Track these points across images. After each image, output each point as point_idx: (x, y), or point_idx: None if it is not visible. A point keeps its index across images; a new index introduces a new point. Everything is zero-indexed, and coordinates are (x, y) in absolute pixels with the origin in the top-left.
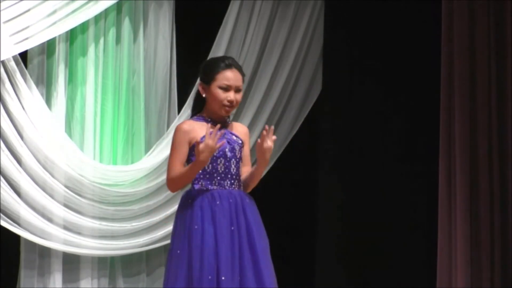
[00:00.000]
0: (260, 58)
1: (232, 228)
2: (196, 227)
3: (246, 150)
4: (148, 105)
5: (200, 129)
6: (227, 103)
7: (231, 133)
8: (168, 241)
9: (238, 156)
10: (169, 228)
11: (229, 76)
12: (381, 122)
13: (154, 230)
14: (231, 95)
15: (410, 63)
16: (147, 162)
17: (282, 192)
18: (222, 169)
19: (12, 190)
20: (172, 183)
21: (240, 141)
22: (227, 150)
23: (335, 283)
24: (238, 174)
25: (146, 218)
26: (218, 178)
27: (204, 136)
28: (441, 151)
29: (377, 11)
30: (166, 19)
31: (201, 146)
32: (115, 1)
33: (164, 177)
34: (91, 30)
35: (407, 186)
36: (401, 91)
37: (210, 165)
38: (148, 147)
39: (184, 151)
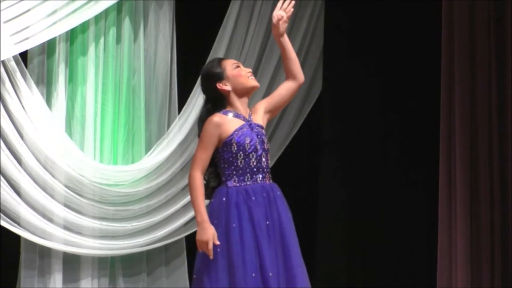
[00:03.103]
0: (260, 58)
1: (267, 222)
2: (234, 225)
3: (271, 100)
4: (149, 105)
5: (231, 123)
6: (250, 74)
7: (257, 125)
8: (168, 241)
9: (267, 148)
10: (169, 228)
11: (230, 60)
12: (381, 122)
13: (155, 230)
14: (245, 68)
15: (410, 63)
16: (147, 162)
17: (282, 191)
18: (254, 164)
19: (12, 190)
20: (189, 182)
21: (264, 131)
22: (257, 143)
23: (335, 283)
24: (268, 166)
25: (147, 218)
26: (251, 173)
27: (237, 129)
28: (441, 151)
29: (377, 11)
30: (166, 19)
31: (201, 233)
32: (115, 1)
33: (164, 177)
34: (92, 30)
35: (407, 186)
36: (401, 91)
37: (243, 161)
38: (148, 147)
39: (212, 143)
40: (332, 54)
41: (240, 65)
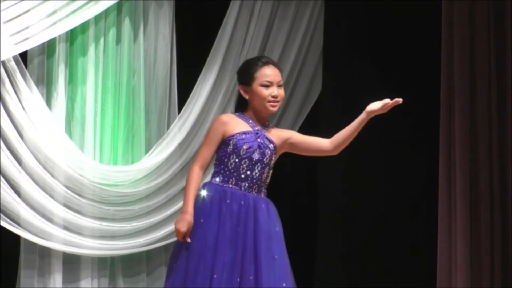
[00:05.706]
0: None
1: (238, 229)
2: (202, 220)
3: (299, 137)
4: (148, 105)
5: (238, 125)
6: (272, 99)
7: (267, 138)
8: (168, 241)
9: (266, 162)
10: (169, 228)
11: (269, 72)
12: (380, 122)
13: (154, 230)
14: (274, 90)
15: (410, 63)
16: (147, 162)
17: (282, 192)
18: (244, 170)
19: (12, 190)
20: (188, 175)
21: (273, 147)
22: (255, 152)
23: (334, 283)
24: (261, 179)
25: (146, 218)
26: (237, 177)
27: (240, 133)
28: (441, 152)
29: (377, 11)
30: (166, 19)
31: (180, 222)
32: (115, 1)
33: (163, 177)
34: (91, 30)
35: (407, 186)
36: (401, 91)
37: (234, 163)
38: (148, 147)
39: (215, 140)
40: (332, 54)
41: (272, 84)
